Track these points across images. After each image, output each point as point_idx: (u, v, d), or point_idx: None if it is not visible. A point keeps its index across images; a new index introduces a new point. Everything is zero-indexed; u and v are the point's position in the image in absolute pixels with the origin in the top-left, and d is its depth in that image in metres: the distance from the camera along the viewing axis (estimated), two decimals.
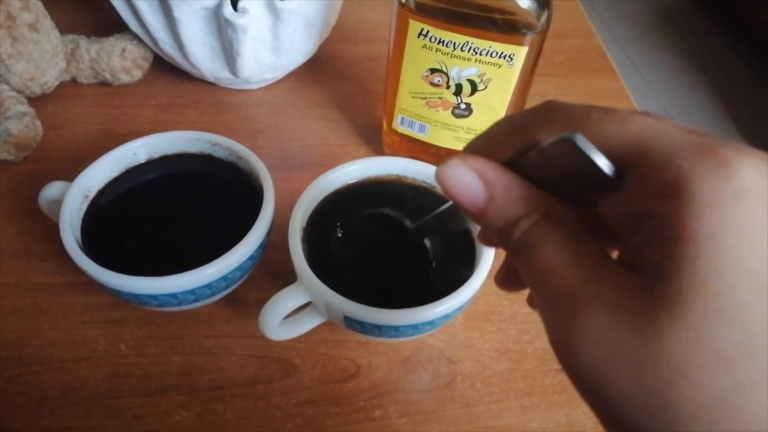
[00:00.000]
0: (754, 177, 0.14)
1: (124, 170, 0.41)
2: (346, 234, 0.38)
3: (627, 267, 0.15)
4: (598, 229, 0.17)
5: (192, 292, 0.35)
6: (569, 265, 0.16)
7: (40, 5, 0.50)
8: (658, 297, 0.14)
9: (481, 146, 0.19)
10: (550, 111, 0.18)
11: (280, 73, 0.54)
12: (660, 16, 2.01)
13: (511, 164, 0.18)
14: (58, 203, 0.37)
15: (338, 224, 0.38)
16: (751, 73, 1.82)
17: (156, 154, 0.41)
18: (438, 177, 0.19)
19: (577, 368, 0.15)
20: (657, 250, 0.14)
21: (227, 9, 0.43)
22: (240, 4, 0.43)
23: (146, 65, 0.54)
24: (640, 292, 0.14)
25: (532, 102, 0.46)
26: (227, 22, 0.43)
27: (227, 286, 0.37)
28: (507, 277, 0.25)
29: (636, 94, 0.60)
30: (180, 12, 0.43)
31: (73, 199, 0.37)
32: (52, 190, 0.38)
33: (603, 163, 0.15)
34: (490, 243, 0.25)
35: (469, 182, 0.18)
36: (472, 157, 0.19)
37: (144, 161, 0.41)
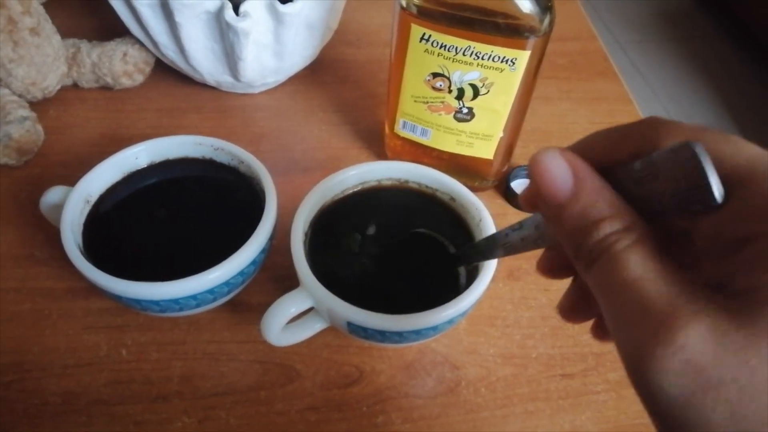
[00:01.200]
0: None
1: (125, 175, 0.41)
2: (363, 241, 0.38)
3: (713, 289, 0.15)
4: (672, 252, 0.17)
5: (194, 297, 0.35)
6: (657, 280, 0.15)
7: (42, 9, 0.50)
8: (763, 324, 0.13)
9: (579, 147, 0.19)
10: (658, 125, 0.17)
11: (281, 77, 0.54)
12: (662, 19, 2.01)
13: (605, 174, 0.18)
14: (59, 208, 0.37)
15: (357, 231, 0.38)
16: (753, 75, 1.82)
17: (157, 159, 0.41)
18: (532, 161, 0.18)
19: (661, 392, 0.14)
20: (760, 275, 0.14)
21: (229, 13, 0.42)
22: (241, 8, 0.43)
23: (148, 69, 0.54)
24: (741, 316, 0.14)
25: (535, 105, 0.46)
26: (229, 26, 0.43)
27: (229, 292, 0.37)
28: (573, 306, 0.24)
29: (639, 97, 0.60)
30: (181, 16, 0.43)
31: (74, 203, 0.37)
32: (53, 194, 0.38)
33: (715, 181, 0.15)
34: (549, 272, 0.24)
35: (561, 172, 0.18)
36: (569, 152, 0.18)
37: (145, 166, 0.41)
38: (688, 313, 0.14)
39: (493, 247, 0.28)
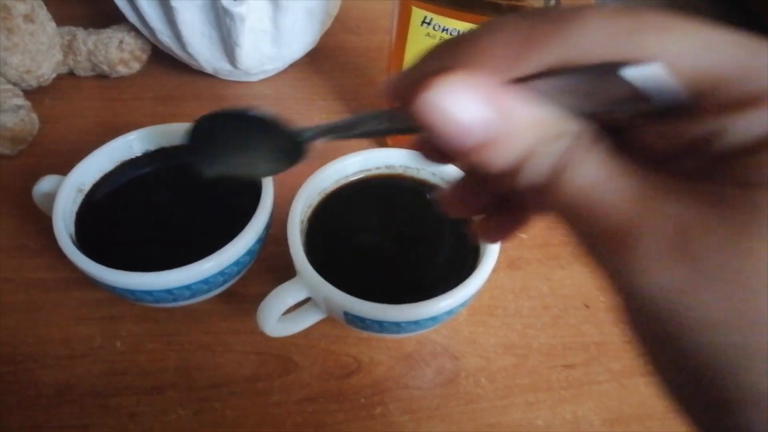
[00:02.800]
0: None
1: (119, 163, 0.40)
2: (362, 230, 0.37)
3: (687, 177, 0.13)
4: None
5: (188, 287, 0.34)
6: (617, 178, 0.13)
7: None
8: (758, 206, 0.12)
9: (474, 59, 0.14)
10: (572, 21, 0.13)
11: (280, 65, 0.53)
12: (668, 3, 1.99)
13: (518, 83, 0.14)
14: (51, 197, 0.36)
15: (356, 220, 0.37)
16: None
17: (152, 147, 0.41)
18: (419, 109, 0.14)
19: (650, 297, 0.13)
20: (741, 159, 0.12)
21: None
22: None
23: (144, 57, 0.53)
24: (730, 205, 0.12)
25: None
26: (225, 10, 0.42)
27: (225, 282, 0.36)
28: (462, 198, 0.20)
29: None
30: (177, 1, 0.42)
31: (66, 193, 0.36)
32: (45, 183, 0.38)
33: (679, 94, 0.13)
34: (460, 208, 0.20)
35: (473, 109, 0.14)
36: (470, 74, 0.14)
37: (140, 154, 0.40)
38: (661, 213, 0.13)
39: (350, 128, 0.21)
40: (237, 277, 0.37)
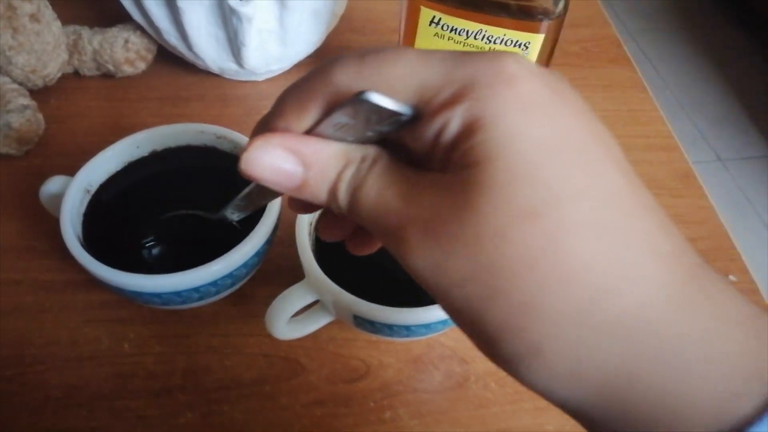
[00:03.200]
0: (518, 65, 0.16)
1: (126, 164, 0.40)
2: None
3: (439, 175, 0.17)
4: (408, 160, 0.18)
5: (196, 290, 0.34)
6: (391, 190, 0.17)
7: None
8: (469, 181, 0.15)
9: (274, 120, 0.18)
10: (331, 69, 0.17)
11: (286, 64, 0.52)
12: (673, 8, 1.98)
13: (311, 132, 0.18)
14: (59, 198, 0.36)
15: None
16: (764, 65, 1.79)
17: (159, 147, 0.40)
18: (246, 168, 0.17)
19: (421, 274, 0.16)
20: (459, 145, 0.16)
21: None
22: None
23: (150, 57, 0.53)
24: (455, 184, 0.16)
25: None
26: (232, 10, 0.42)
27: (233, 284, 0.36)
28: (329, 227, 0.24)
29: (649, 87, 0.58)
30: (183, 1, 0.42)
31: (74, 193, 0.36)
32: (53, 184, 0.37)
33: (402, 108, 0.16)
34: (301, 210, 0.24)
35: (281, 161, 0.17)
36: (274, 135, 0.18)
37: (147, 155, 0.40)
38: (416, 207, 0.16)
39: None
40: (245, 279, 0.37)
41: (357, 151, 0.18)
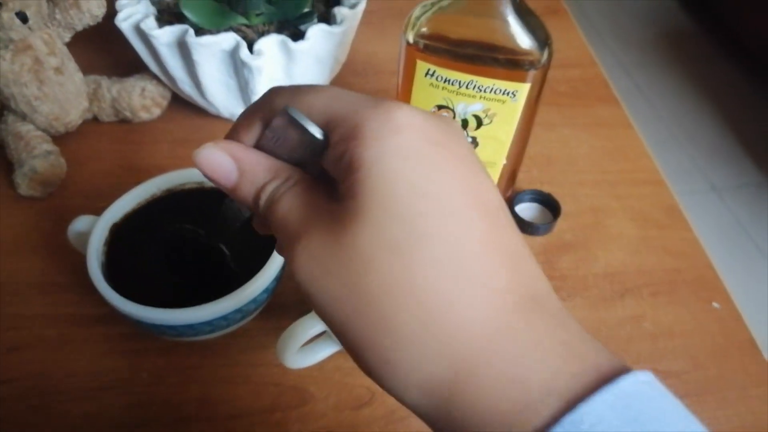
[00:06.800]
0: (408, 117, 0.19)
1: (145, 203, 0.42)
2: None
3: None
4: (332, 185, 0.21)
5: (208, 323, 0.37)
6: (298, 209, 0.20)
7: (65, 49, 0.52)
8: (349, 211, 0.18)
9: (230, 134, 0.23)
10: (271, 95, 0.22)
11: None
12: (665, 41, 2.03)
13: (257, 146, 0.22)
14: (85, 236, 0.39)
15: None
16: (757, 96, 1.83)
17: (176, 188, 0.43)
18: (195, 160, 0.22)
19: (301, 284, 0.19)
20: (347, 179, 0.19)
21: (244, 51, 0.45)
22: (255, 47, 0.45)
23: (165, 103, 0.56)
24: (340, 213, 0.19)
25: (537, 131, 0.48)
26: (244, 63, 0.45)
27: (242, 318, 0.39)
28: (261, 227, 0.27)
29: (642, 118, 0.62)
30: (199, 55, 0.46)
31: (100, 232, 0.39)
32: (80, 223, 0.40)
33: (312, 127, 0.20)
34: (261, 229, 0.27)
35: (221, 161, 0.21)
36: (223, 141, 0.22)
37: (164, 195, 0.43)
38: (310, 227, 0.19)
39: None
40: (255, 314, 0.40)
41: (285, 171, 0.22)
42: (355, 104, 0.20)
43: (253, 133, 0.22)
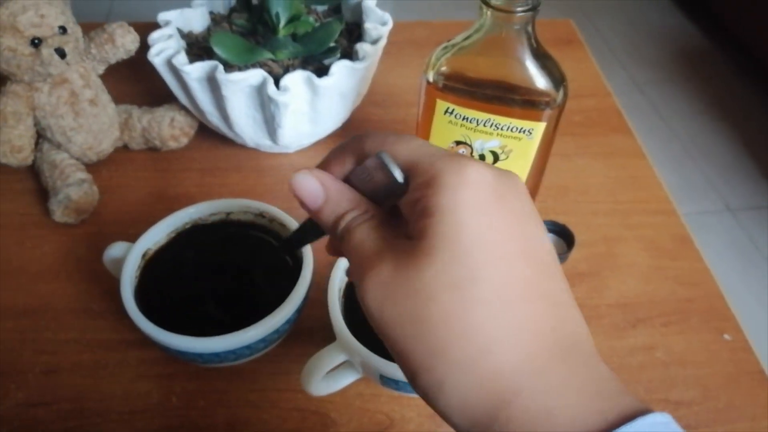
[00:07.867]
0: (477, 173, 0.22)
1: (177, 233, 0.44)
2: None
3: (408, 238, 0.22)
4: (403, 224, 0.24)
5: (233, 351, 0.38)
6: (372, 240, 0.23)
7: (99, 82, 0.55)
8: (418, 250, 0.21)
9: (322, 164, 0.26)
10: (363, 137, 0.25)
11: (315, 139, 0.58)
12: (680, 59, 2.04)
13: (345, 179, 0.25)
14: (120, 262, 0.41)
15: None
16: None
17: (207, 219, 0.45)
18: (290, 182, 0.25)
19: (368, 307, 0.22)
20: (419, 221, 0.22)
21: (271, 87, 0.47)
22: (282, 83, 0.47)
23: (192, 132, 0.59)
24: (411, 250, 0.21)
25: (553, 161, 0.50)
26: (270, 99, 0.47)
27: (266, 347, 0.40)
28: (334, 251, 0.30)
29: (657, 138, 0.62)
30: (227, 90, 0.48)
31: (134, 259, 0.41)
32: (115, 249, 0.42)
33: (398, 173, 0.23)
34: (332, 252, 0.30)
35: (312, 186, 0.24)
36: (316, 170, 0.25)
37: (195, 225, 0.45)
38: (381, 258, 0.22)
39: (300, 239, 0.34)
40: (277, 342, 0.41)
41: (364, 204, 0.24)
42: (434, 156, 0.22)
43: (341, 167, 0.25)
